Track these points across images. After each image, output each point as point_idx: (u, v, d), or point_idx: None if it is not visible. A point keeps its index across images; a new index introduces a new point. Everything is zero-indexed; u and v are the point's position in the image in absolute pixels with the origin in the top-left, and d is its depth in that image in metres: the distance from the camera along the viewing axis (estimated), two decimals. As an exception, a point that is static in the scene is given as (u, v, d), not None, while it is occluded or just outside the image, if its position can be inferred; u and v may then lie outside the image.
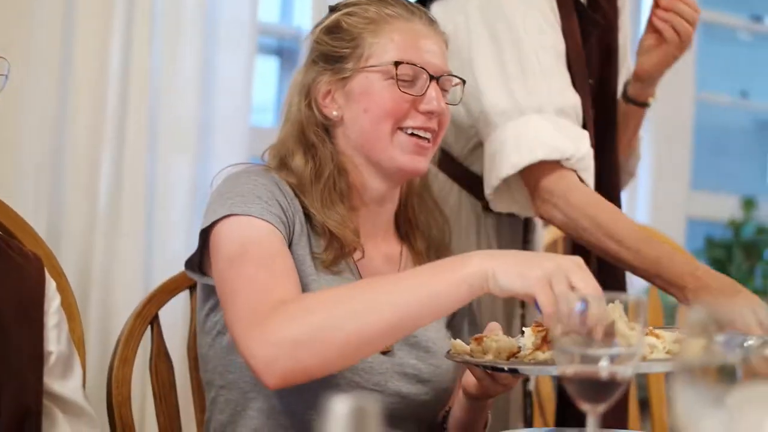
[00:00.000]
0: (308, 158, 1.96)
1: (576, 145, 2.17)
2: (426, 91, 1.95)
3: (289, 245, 1.86)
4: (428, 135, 1.96)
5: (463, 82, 2.04)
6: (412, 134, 1.95)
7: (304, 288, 1.84)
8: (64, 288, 1.87)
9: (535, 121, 2.17)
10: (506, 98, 2.19)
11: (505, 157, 2.16)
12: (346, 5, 2.03)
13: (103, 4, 2.85)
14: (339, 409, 0.79)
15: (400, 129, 1.95)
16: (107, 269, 2.81)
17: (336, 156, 1.98)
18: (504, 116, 2.18)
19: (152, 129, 2.91)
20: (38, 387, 1.71)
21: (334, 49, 1.99)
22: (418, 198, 2.10)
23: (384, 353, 1.89)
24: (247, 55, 3.09)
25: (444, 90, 1.99)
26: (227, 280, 1.77)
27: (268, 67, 3.49)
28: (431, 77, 1.95)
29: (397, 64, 1.93)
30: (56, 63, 2.78)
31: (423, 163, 1.97)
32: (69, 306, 1.88)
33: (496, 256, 1.67)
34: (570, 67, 2.25)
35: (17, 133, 2.73)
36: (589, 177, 2.19)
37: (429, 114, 1.95)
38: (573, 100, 2.21)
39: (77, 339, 1.90)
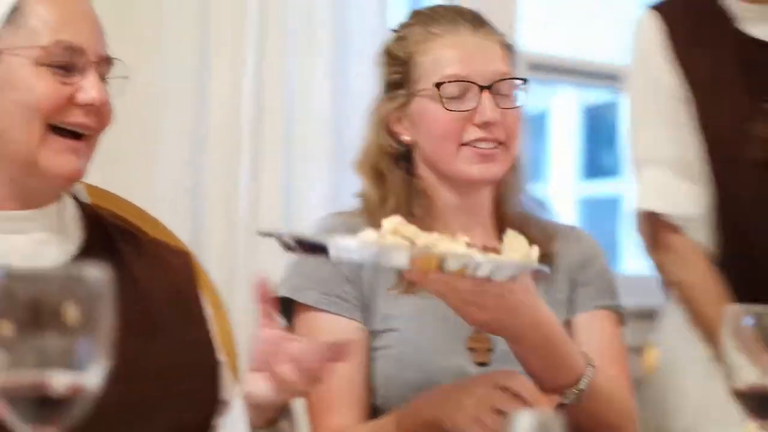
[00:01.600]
0: (377, 186, 2.03)
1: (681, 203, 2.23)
2: (478, 103, 1.94)
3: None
4: (490, 145, 1.95)
5: (525, 81, 2.00)
6: (476, 147, 1.96)
7: (386, 314, 1.94)
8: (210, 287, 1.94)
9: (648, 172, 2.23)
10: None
11: None
12: (397, 31, 2.08)
13: (236, 18, 2.90)
14: (523, 423, 0.81)
15: (463, 145, 1.96)
16: (249, 281, 2.85)
17: (410, 181, 2.03)
18: None
19: (287, 141, 2.95)
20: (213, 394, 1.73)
21: (391, 77, 2.04)
22: (513, 195, 2.10)
23: (481, 364, 1.91)
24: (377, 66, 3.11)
25: (503, 95, 1.96)
26: None
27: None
28: (481, 87, 1.94)
29: (438, 85, 1.94)
30: (192, 78, 2.84)
31: (493, 169, 1.96)
32: (216, 305, 1.95)
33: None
34: (717, 93, 2.27)
35: (156, 148, 2.79)
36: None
37: (486, 125, 1.94)
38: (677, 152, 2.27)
39: (230, 340, 1.96)
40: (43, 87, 1.58)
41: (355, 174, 2.97)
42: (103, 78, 1.64)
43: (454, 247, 1.51)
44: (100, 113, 1.62)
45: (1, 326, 0.89)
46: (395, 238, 1.50)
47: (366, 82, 3.07)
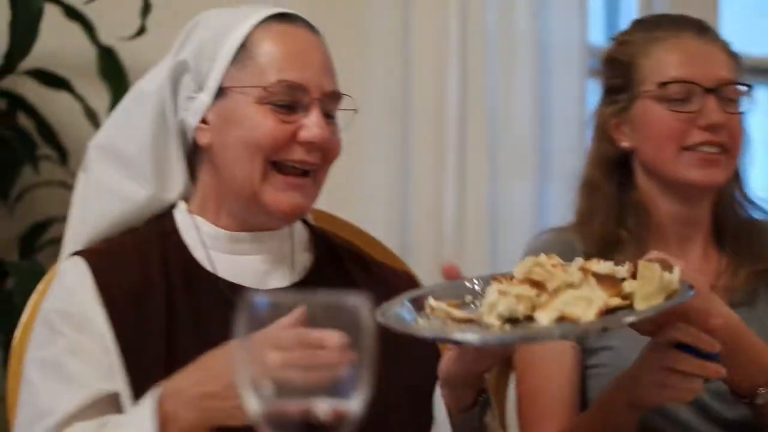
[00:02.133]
0: (587, 198, 2.02)
1: None
2: (702, 105, 1.90)
3: None
4: (714, 149, 1.91)
5: (750, 87, 1.96)
6: (698, 151, 1.92)
7: None
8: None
9: None
10: None
11: None
12: (618, 37, 2.05)
13: (438, 33, 2.92)
14: None
15: (685, 149, 1.92)
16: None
17: (624, 192, 1.99)
18: None
19: (492, 154, 2.96)
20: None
21: (612, 81, 2.01)
22: (734, 205, 2.04)
23: None
24: (579, 78, 3.10)
25: (727, 99, 1.92)
26: None
27: (595, 90, 3.47)
28: (706, 90, 1.90)
29: (662, 84, 1.92)
30: (397, 93, 2.88)
31: (717, 174, 1.92)
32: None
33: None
34: None
35: (362, 167, 2.84)
36: None
37: (711, 128, 1.90)
38: None
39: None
40: (265, 125, 1.61)
41: (558, 185, 2.98)
42: (329, 113, 1.66)
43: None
44: (324, 149, 1.64)
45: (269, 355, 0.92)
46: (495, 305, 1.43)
47: (567, 94, 3.06)
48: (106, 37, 2.70)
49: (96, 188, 1.73)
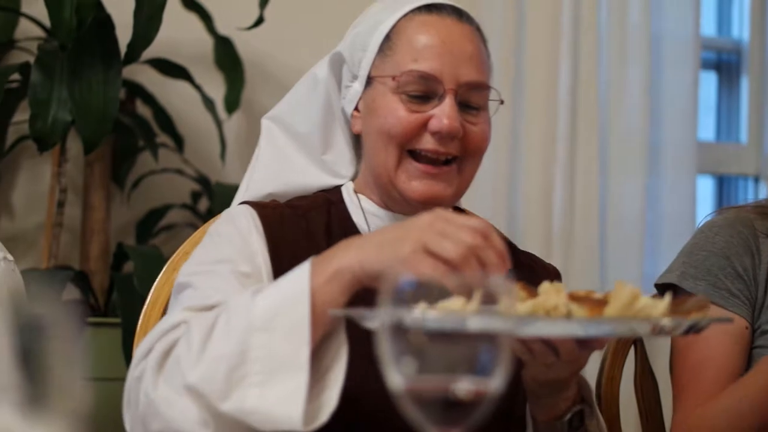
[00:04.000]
0: None
1: None
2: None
3: None
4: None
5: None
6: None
7: None
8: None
9: None
10: None
11: None
12: None
13: (550, 26, 2.93)
14: None
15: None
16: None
17: None
18: None
19: (602, 147, 2.97)
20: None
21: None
22: None
23: None
24: (690, 71, 3.09)
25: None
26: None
27: (708, 82, 3.45)
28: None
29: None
30: (509, 86, 2.89)
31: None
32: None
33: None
34: None
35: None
36: None
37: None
38: None
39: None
40: (396, 114, 1.65)
41: (668, 178, 2.97)
42: (469, 104, 1.67)
43: None
44: (463, 140, 1.66)
45: (415, 334, 0.94)
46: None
47: (679, 87, 3.05)
48: (223, 28, 2.75)
49: (273, 154, 1.80)
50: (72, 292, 2.56)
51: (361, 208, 1.75)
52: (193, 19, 2.73)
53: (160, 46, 2.62)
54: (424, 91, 1.65)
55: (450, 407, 0.95)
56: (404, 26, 1.69)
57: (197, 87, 2.69)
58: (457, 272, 1.31)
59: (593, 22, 2.95)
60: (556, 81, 2.92)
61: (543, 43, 2.93)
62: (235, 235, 1.63)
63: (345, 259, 1.38)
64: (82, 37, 2.34)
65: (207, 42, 2.78)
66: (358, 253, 1.38)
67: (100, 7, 2.43)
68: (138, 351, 1.48)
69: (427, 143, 1.65)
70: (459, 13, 1.72)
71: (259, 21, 2.62)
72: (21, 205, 2.81)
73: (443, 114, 1.64)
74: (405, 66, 1.66)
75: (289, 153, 1.80)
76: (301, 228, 1.69)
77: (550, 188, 2.91)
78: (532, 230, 2.89)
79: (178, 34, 2.75)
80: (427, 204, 1.64)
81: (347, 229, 1.71)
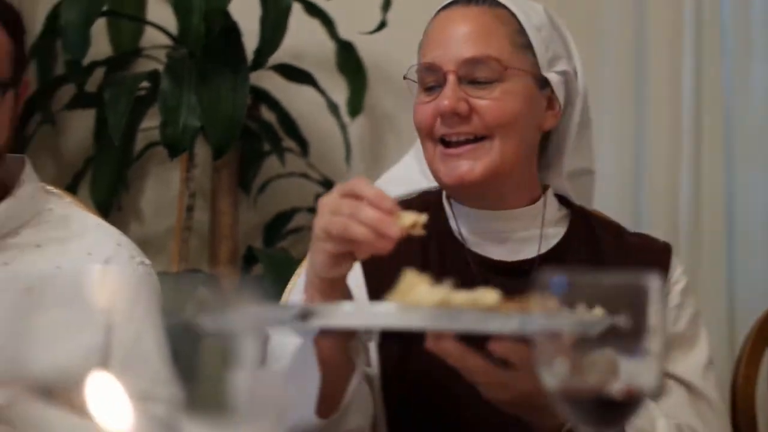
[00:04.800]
0: None
1: None
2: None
3: None
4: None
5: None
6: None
7: None
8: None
9: None
10: None
11: None
12: None
13: (672, 22, 2.90)
14: None
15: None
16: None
17: None
18: None
19: (728, 143, 2.92)
20: None
21: None
22: None
23: None
24: (817, 65, 3.03)
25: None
26: None
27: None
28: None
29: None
30: (631, 83, 2.87)
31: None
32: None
33: None
34: None
35: (596, 152, 2.84)
36: None
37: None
38: None
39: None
40: (417, 109, 1.71)
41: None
42: (476, 80, 1.67)
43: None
44: (479, 116, 1.67)
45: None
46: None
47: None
48: (345, 32, 2.78)
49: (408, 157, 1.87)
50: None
51: (450, 204, 1.77)
52: (315, 25, 2.76)
53: (283, 51, 2.66)
54: (434, 81, 1.69)
55: (605, 407, 0.95)
56: (426, 29, 1.74)
57: (322, 91, 2.71)
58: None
59: (716, 19, 2.91)
60: (680, 75, 2.89)
61: (665, 37, 2.90)
62: None
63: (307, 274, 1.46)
64: (210, 45, 2.38)
65: (329, 47, 2.80)
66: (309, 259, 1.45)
67: (227, 15, 2.47)
68: None
69: (442, 128, 1.68)
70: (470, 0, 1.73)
71: (382, 25, 2.64)
72: (150, 209, 2.87)
73: (443, 96, 1.66)
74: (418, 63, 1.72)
75: (406, 158, 1.87)
76: None
77: (675, 184, 2.88)
78: (658, 226, 2.86)
79: (301, 39, 2.78)
80: (459, 186, 1.68)
81: (442, 229, 1.74)
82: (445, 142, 1.68)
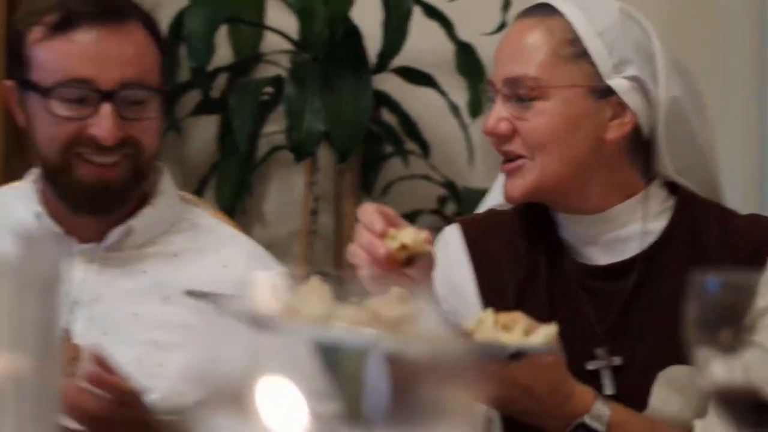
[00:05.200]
0: None
1: None
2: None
3: None
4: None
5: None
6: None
7: None
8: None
9: None
10: None
11: None
12: None
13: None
14: None
15: None
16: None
17: None
18: None
19: None
20: None
21: None
22: None
23: None
24: None
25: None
26: None
27: None
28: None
29: None
30: (753, 90, 2.84)
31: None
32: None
33: None
34: None
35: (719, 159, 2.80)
36: None
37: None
38: None
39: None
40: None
41: None
42: (521, 97, 1.64)
43: None
44: (511, 136, 1.64)
45: (721, 335, 0.93)
46: None
47: None
48: (464, 34, 2.78)
49: None
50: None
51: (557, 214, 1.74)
52: (433, 27, 2.77)
53: (403, 54, 2.67)
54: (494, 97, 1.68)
55: (757, 409, 0.93)
56: None
57: (443, 93, 2.72)
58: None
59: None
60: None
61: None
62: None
63: None
64: (333, 49, 2.40)
65: (448, 48, 2.80)
66: None
67: (348, 19, 2.48)
68: None
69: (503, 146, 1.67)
70: (531, 10, 1.69)
71: (502, 26, 2.63)
72: (273, 213, 2.90)
73: (489, 115, 1.66)
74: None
75: None
76: (502, 237, 1.71)
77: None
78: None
79: (420, 42, 2.79)
80: (510, 201, 1.68)
81: (549, 238, 1.71)
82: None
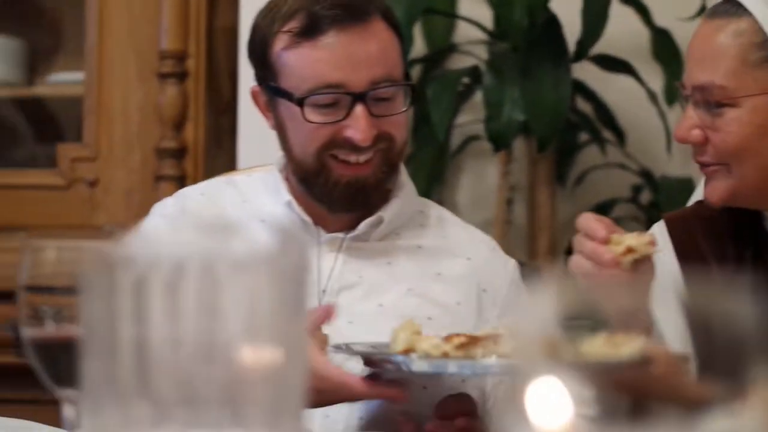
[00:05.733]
0: None
1: None
2: None
3: None
4: None
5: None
6: None
7: None
8: None
9: None
10: None
11: None
12: None
13: None
14: None
15: None
16: None
17: None
18: None
19: None
20: None
21: None
22: None
23: None
24: None
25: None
26: None
27: None
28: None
29: None
30: None
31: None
32: None
33: None
34: None
35: None
36: None
37: None
38: None
39: None
40: None
41: None
42: (710, 104, 1.59)
43: None
44: (704, 144, 1.60)
45: None
46: None
47: None
48: (661, 20, 2.73)
49: None
50: (523, 288, 2.62)
51: None
52: (629, 13, 2.73)
53: (599, 41, 2.64)
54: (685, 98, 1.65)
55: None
56: None
57: (640, 80, 2.68)
58: None
59: None
60: None
61: None
62: None
63: None
64: (532, 38, 2.39)
65: (644, 34, 2.76)
66: None
67: (547, 8, 2.47)
68: None
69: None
70: (718, 9, 1.63)
71: (702, 10, 2.57)
72: (466, 203, 2.91)
73: (679, 121, 1.64)
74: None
75: None
76: (707, 232, 1.67)
77: None
78: None
79: (615, 28, 2.75)
80: (710, 204, 1.65)
81: (749, 225, 1.68)
82: None
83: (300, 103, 1.70)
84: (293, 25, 1.70)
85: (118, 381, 0.84)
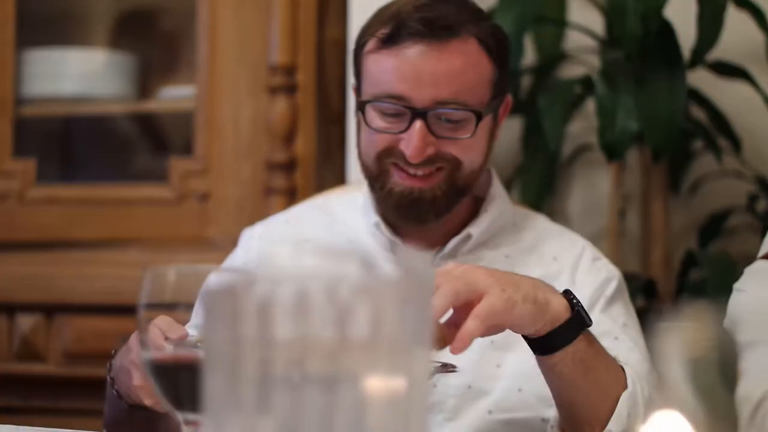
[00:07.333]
0: None
1: None
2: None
3: None
4: None
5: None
6: None
7: None
8: None
9: None
10: None
11: None
12: None
13: None
14: None
15: None
16: None
17: None
18: None
19: None
20: None
21: None
22: None
23: None
24: None
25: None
26: None
27: None
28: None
29: None
30: None
31: None
32: None
33: None
34: None
35: None
36: None
37: None
38: None
39: None
40: None
41: None
42: None
43: None
44: None
45: None
46: None
47: None
48: (776, 24, 2.67)
49: None
50: (637, 300, 2.58)
51: None
52: (742, 18, 2.67)
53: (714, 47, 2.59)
54: None
55: None
56: None
57: (757, 86, 2.62)
58: None
59: None
60: None
61: None
62: None
63: None
64: (646, 46, 2.35)
65: (758, 39, 2.69)
66: None
67: (661, 15, 2.43)
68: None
69: None
70: None
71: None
72: (578, 213, 2.87)
73: None
74: None
75: None
76: None
77: None
78: None
79: (729, 34, 2.69)
80: None
81: None
82: None
83: (363, 106, 1.73)
84: (383, 31, 1.72)
85: (242, 405, 0.83)
